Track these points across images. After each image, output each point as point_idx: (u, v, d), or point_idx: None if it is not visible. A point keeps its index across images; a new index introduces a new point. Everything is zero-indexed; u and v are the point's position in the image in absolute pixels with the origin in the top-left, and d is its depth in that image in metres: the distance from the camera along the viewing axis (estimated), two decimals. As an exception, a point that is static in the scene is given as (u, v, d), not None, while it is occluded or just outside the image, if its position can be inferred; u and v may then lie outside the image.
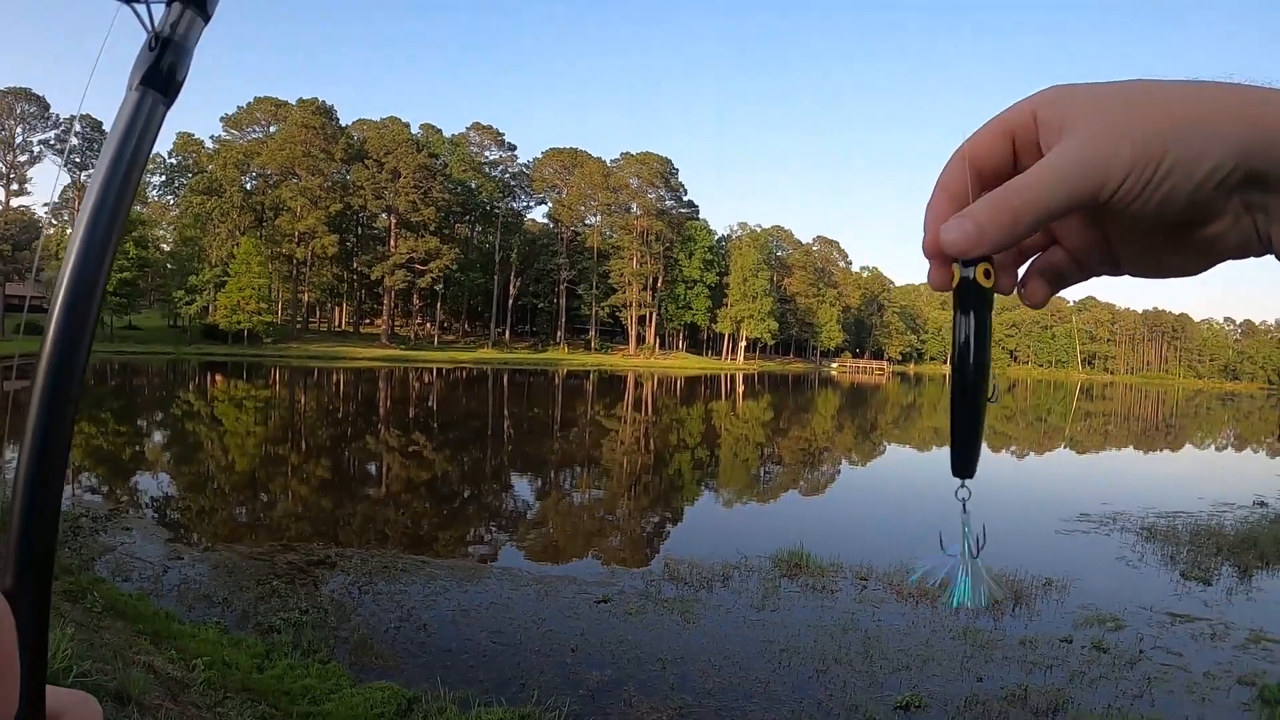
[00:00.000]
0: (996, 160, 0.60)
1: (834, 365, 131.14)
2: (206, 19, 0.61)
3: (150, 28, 0.58)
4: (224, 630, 9.66)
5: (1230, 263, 0.61)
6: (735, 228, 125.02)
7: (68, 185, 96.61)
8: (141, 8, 0.58)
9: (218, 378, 57.50)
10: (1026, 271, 0.66)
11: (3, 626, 0.45)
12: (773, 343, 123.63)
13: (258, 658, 8.65)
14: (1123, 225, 0.60)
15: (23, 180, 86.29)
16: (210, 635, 9.14)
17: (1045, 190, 0.54)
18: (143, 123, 0.58)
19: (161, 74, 0.58)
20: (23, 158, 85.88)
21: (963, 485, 0.65)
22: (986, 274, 0.58)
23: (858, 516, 20.11)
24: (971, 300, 0.59)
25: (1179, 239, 0.57)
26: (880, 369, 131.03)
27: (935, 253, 0.60)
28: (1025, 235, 0.56)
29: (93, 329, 0.56)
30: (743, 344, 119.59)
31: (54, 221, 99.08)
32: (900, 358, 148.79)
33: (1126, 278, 0.66)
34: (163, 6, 0.59)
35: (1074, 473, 31.19)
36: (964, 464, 0.64)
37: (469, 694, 8.24)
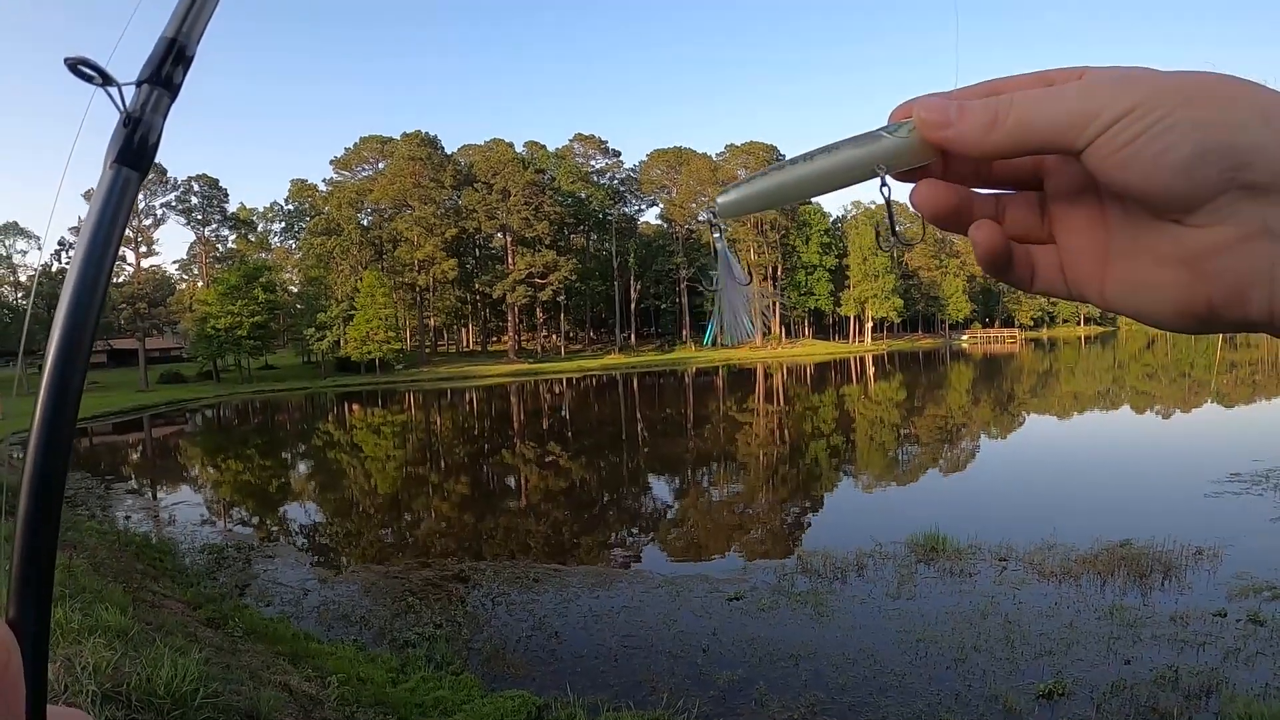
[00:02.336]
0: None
1: (964, 338, 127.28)
2: (174, 95, 0.68)
3: (123, 108, 0.65)
4: (360, 647, 10.10)
5: None
6: (849, 207, 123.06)
7: (193, 242, 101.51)
8: (114, 90, 0.64)
9: (354, 407, 59.44)
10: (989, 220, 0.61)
11: (10, 656, 0.50)
12: (899, 320, 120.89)
13: (392, 672, 9.03)
14: (1113, 218, 0.56)
15: (150, 242, 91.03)
16: (347, 653, 9.57)
17: (1034, 106, 0.52)
18: (117, 197, 0.64)
19: (133, 151, 0.65)
20: (147, 221, 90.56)
21: (713, 210, 0.65)
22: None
23: (995, 494, 19.58)
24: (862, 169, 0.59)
25: (1168, 242, 0.51)
26: (1012, 337, 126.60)
27: (903, 114, 0.59)
28: (994, 147, 0.53)
29: (81, 383, 0.61)
30: (869, 325, 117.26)
31: (185, 277, 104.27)
32: (1032, 323, 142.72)
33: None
34: (133, 88, 0.66)
35: (1222, 429, 29.23)
36: (725, 193, 0.64)
37: (598, 699, 8.43)
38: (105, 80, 0.62)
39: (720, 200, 0.64)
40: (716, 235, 0.67)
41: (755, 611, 11.22)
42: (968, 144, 0.54)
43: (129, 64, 0.66)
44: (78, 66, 0.61)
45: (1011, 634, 10.03)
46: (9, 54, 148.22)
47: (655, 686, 8.88)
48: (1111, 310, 0.59)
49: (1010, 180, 0.63)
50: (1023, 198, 0.63)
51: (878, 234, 0.67)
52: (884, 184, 0.60)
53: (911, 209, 0.63)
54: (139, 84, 0.65)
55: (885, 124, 0.59)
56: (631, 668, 9.52)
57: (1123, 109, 0.47)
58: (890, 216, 0.64)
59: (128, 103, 0.65)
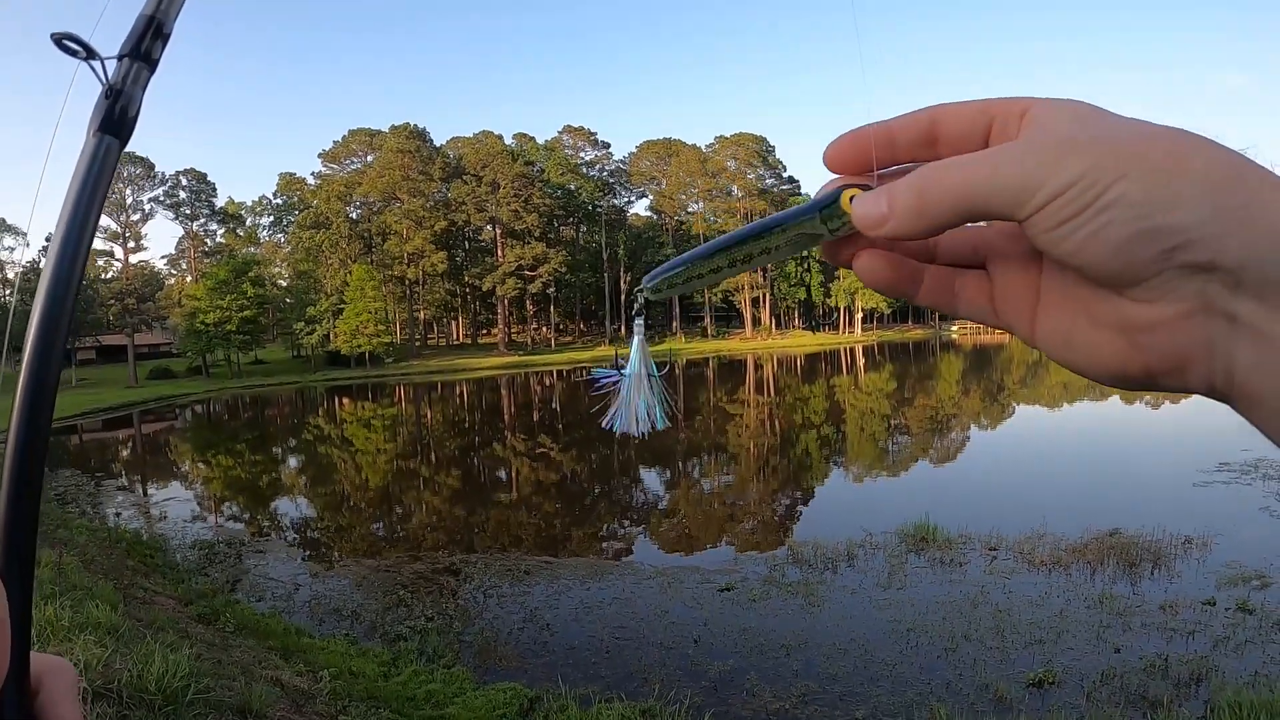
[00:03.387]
0: (961, 132, 0.54)
1: (954, 329, 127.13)
2: (153, 69, 0.72)
3: (105, 80, 0.68)
4: (352, 641, 10.10)
5: None
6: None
7: (181, 237, 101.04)
8: (97, 64, 0.68)
9: (344, 401, 59.45)
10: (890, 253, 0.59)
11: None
12: (889, 311, 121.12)
13: (384, 666, 9.03)
14: (1050, 268, 0.54)
15: (139, 237, 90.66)
16: (339, 647, 9.58)
17: (968, 179, 0.48)
18: (99, 164, 0.68)
19: (115, 121, 0.68)
20: (135, 216, 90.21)
21: (641, 291, 0.65)
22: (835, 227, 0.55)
23: (985, 484, 19.61)
24: (803, 239, 0.58)
25: (1105, 308, 0.49)
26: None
27: (833, 163, 0.58)
28: (932, 227, 0.51)
29: (62, 350, 0.64)
30: (859, 316, 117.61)
31: (173, 272, 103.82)
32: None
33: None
34: (115, 62, 0.70)
35: (1211, 419, 29.23)
36: (652, 277, 0.64)
37: (590, 691, 8.44)
38: (89, 54, 0.66)
39: (646, 282, 0.64)
40: (638, 321, 0.67)
41: (746, 602, 11.24)
42: (907, 233, 0.52)
43: (108, 40, 0.69)
44: (63, 41, 0.64)
45: (1002, 623, 10.07)
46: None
47: (647, 678, 8.90)
48: (1041, 352, 0.56)
49: (957, 238, 0.61)
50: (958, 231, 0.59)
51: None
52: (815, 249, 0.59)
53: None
54: (120, 58, 0.69)
55: (823, 201, 0.56)
56: (623, 659, 9.53)
57: (1063, 183, 0.44)
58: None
59: (109, 76, 0.68)
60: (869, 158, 0.56)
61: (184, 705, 4.86)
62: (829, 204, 0.55)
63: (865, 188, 0.54)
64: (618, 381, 0.67)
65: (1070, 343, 0.52)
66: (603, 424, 0.68)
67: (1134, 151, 0.43)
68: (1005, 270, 0.56)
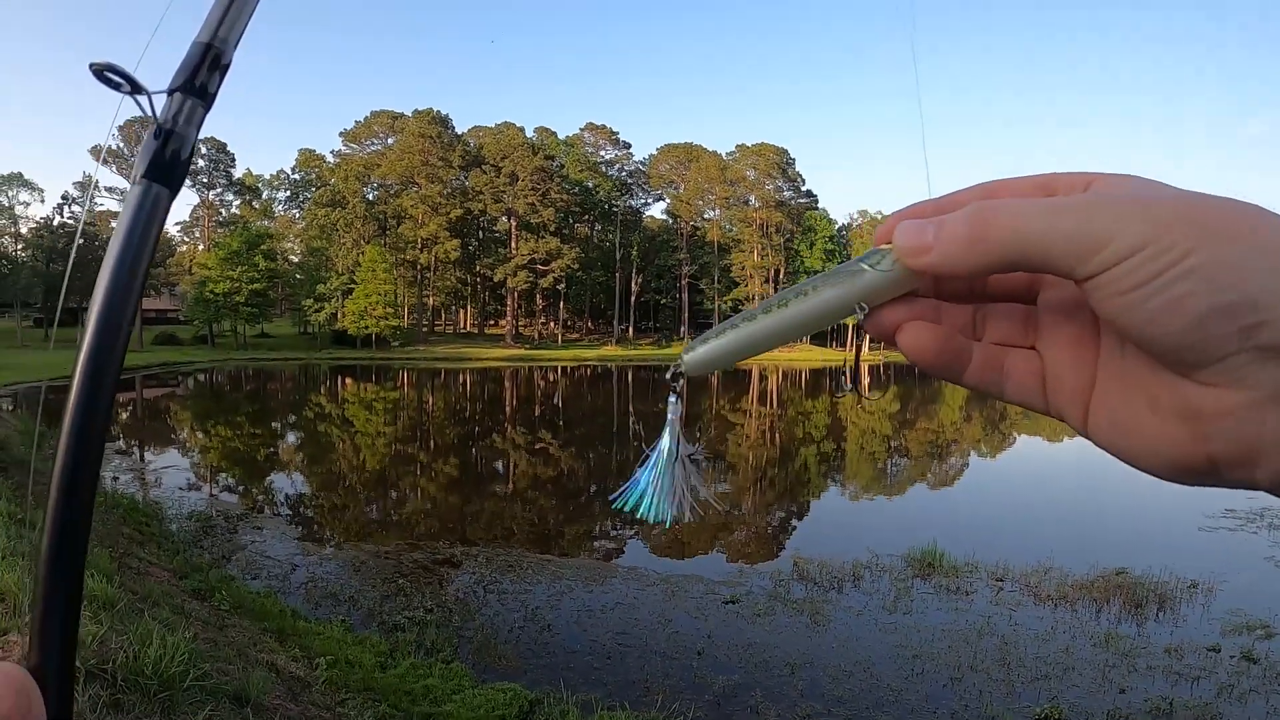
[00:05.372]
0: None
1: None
2: (208, 106, 0.63)
3: (154, 119, 0.60)
4: (349, 628, 9.95)
5: None
6: (855, 215, 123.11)
7: (196, 205, 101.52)
8: (144, 99, 0.58)
9: (347, 381, 59.63)
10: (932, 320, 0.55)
11: (32, 705, 0.47)
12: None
13: (381, 656, 8.87)
14: (1108, 348, 0.49)
15: None
16: (335, 633, 9.42)
17: (1030, 221, 0.44)
18: (147, 214, 0.59)
19: (165, 166, 0.60)
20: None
21: (679, 365, 0.59)
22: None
23: (991, 513, 19.47)
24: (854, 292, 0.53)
25: (1168, 392, 0.45)
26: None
27: (881, 238, 0.53)
28: (982, 264, 0.46)
29: (105, 425, 0.57)
30: (867, 334, 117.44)
31: (185, 239, 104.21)
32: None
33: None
34: (164, 97, 0.60)
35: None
36: (692, 350, 0.58)
37: (592, 697, 8.30)
38: (134, 88, 0.57)
39: (686, 357, 0.58)
40: (673, 399, 0.60)
41: (751, 616, 11.11)
42: (952, 264, 0.47)
43: (158, 71, 0.61)
44: (104, 73, 0.55)
45: (1008, 656, 9.94)
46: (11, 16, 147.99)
47: (649, 687, 8.76)
48: (1094, 443, 0.51)
49: (1008, 292, 0.56)
50: (1008, 305, 0.56)
51: (842, 377, 0.63)
52: (859, 332, 0.57)
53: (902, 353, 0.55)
54: (170, 92, 0.60)
55: (867, 253, 0.53)
56: (625, 666, 9.39)
57: (1135, 242, 0.41)
58: (856, 365, 0.59)
59: (159, 113, 0.60)
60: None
61: (181, 691, 4.68)
62: (869, 251, 0.53)
63: None
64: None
65: (1127, 432, 0.48)
66: (611, 501, 0.62)
67: (1206, 217, 0.41)
68: (1059, 348, 0.52)
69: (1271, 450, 0.41)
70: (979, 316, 0.56)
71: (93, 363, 0.56)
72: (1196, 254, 0.40)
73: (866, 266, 0.52)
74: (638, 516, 0.61)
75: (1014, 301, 0.56)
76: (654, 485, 0.60)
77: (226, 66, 0.65)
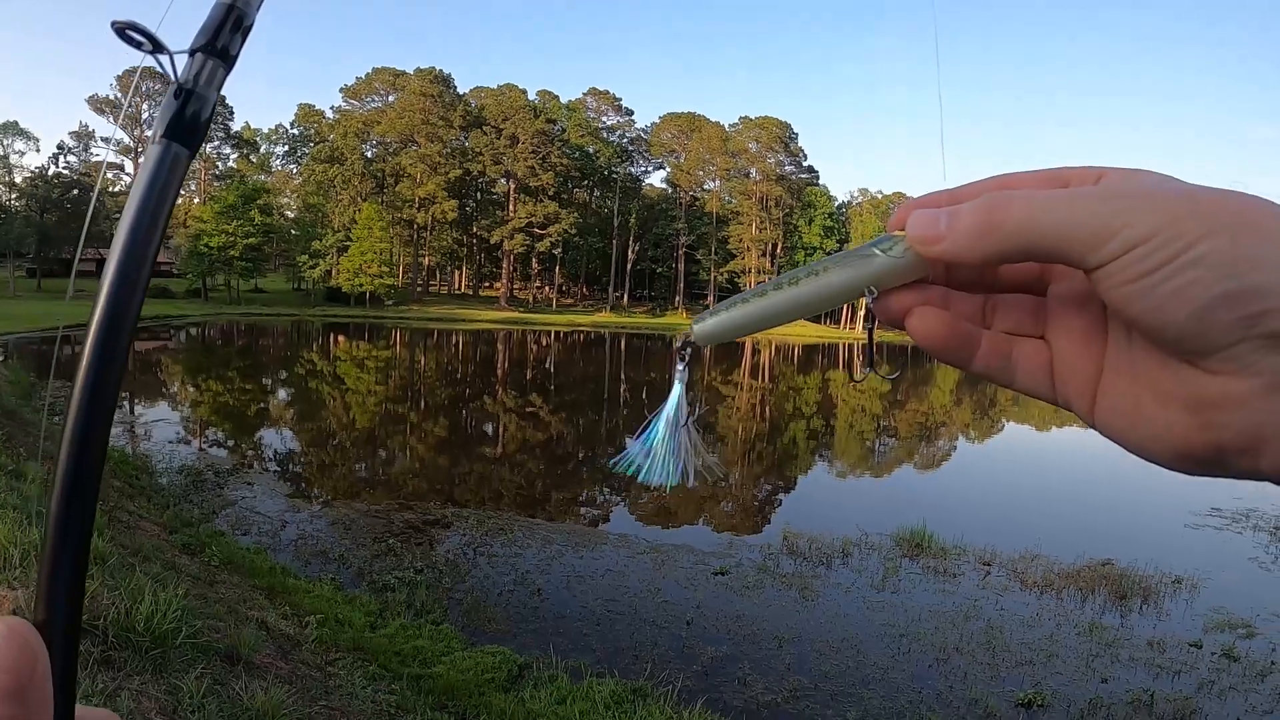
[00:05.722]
0: None
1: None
2: (229, 67, 0.62)
3: (175, 78, 0.59)
4: (339, 587, 9.94)
5: None
6: (855, 194, 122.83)
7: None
8: (165, 59, 0.58)
9: (340, 338, 59.55)
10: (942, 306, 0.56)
11: (38, 659, 0.47)
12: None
13: (371, 616, 8.86)
14: (1115, 337, 0.50)
15: None
16: (325, 592, 9.40)
17: (1041, 212, 0.45)
18: (166, 174, 0.58)
19: (185, 126, 0.59)
20: (149, 132, 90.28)
21: (689, 334, 0.60)
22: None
23: (980, 497, 19.57)
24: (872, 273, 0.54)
25: (1174, 381, 0.45)
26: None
27: (895, 225, 0.53)
28: (995, 253, 0.47)
29: (118, 385, 0.56)
30: (861, 312, 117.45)
31: (182, 192, 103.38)
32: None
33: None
34: (185, 57, 0.60)
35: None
36: (703, 321, 0.59)
37: (581, 663, 8.34)
38: (156, 47, 0.58)
39: (696, 328, 0.59)
40: (681, 367, 0.61)
41: (740, 589, 11.13)
42: (964, 253, 0.48)
43: (180, 31, 0.60)
44: (125, 31, 0.55)
45: (993, 639, 9.99)
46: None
47: (638, 655, 8.79)
48: (1101, 434, 0.52)
49: (1018, 283, 0.57)
50: (1018, 295, 0.57)
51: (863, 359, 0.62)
52: (871, 316, 0.58)
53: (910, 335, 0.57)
54: (192, 53, 0.60)
55: (879, 238, 0.54)
56: (615, 634, 9.41)
57: (1144, 232, 0.42)
58: (871, 347, 0.62)
59: (179, 73, 0.59)
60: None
61: (173, 649, 4.65)
62: (881, 236, 0.54)
63: None
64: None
65: (1133, 421, 0.49)
66: (612, 463, 0.63)
67: (1217, 209, 0.42)
68: (1067, 338, 0.53)
69: (1277, 438, 0.41)
70: (988, 305, 0.57)
71: (108, 320, 0.56)
72: (1204, 243, 0.40)
73: (879, 252, 0.53)
74: (640, 480, 0.61)
75: (1024, 292, 0.56)
76: (659, 449, 0.61)
77: (249, 28, 0.63)
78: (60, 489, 0.53)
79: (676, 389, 0.61)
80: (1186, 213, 0.41)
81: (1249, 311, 0.40)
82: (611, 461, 0.63)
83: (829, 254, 0.56)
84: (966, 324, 0.55)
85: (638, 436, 0.62)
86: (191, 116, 0.60)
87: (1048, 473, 23.39)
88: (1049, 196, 0.46)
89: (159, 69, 0.59)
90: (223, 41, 0.61)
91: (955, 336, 0.54)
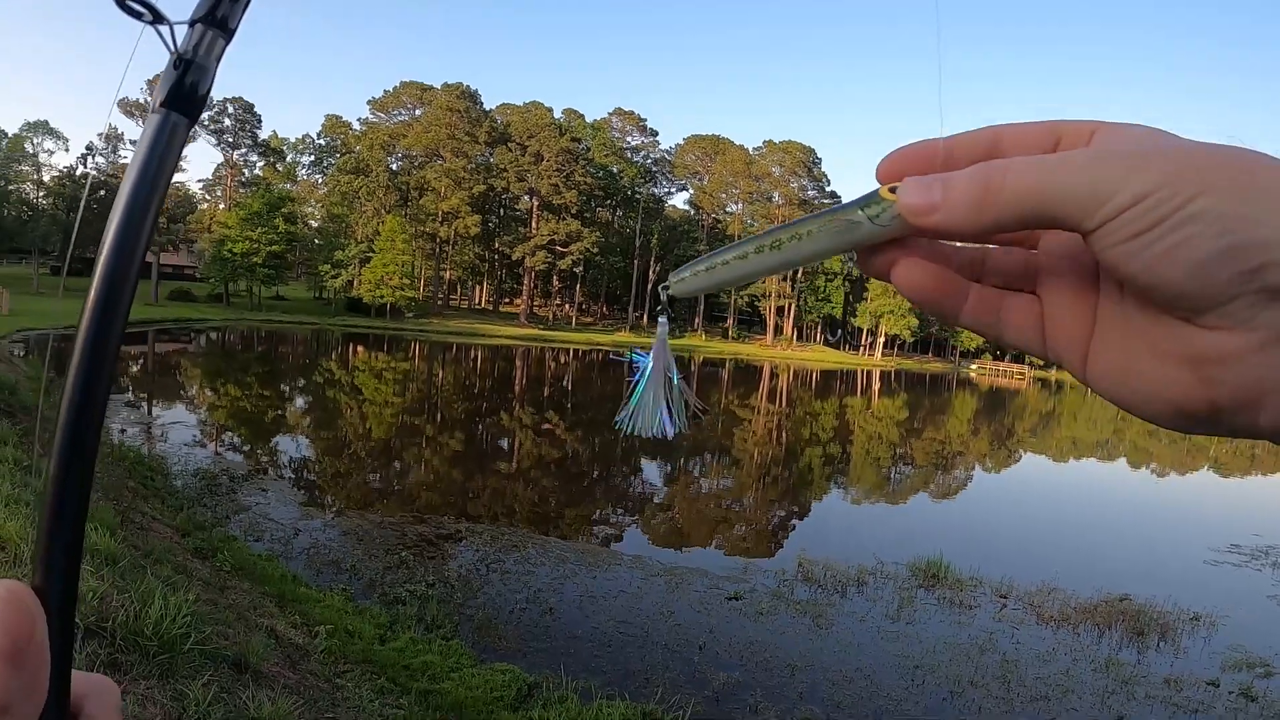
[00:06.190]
0: (1026, 152, 0.49)
1: (973, 367, 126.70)
2: (229, 38, 0.63)
3: (174, 49, 0.60)
4: (349, 598, 9.88)
5: None
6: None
7: (220, 164, 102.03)
8: (165, 29, 0.59)
9: (359, 349, 59.74)
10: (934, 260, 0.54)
11: (36, 623, 0.49)
12: (911, 340, 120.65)
13: (381, 629, 8.79)
14: (1108, 292, 0.49)
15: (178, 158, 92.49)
16: (335, 602, 9.36)
17: (1036, 177, 0.44)
18: (165, 142, 0.60)
19: (184, 95, 0.60)
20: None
21: (665, 288, 0.61)
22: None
23: (997, 529, 19.37)
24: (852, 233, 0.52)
25: (1170, 337, 0.45)
26: (1020, 373, 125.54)
27: (888, 171, 0.52)
28: (992, 224, 0.46)
29: (117, 349, 0.57)
30: (881, 340, 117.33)
31: (207, 197, 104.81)
32: (1042, 363, 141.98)
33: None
34: (185, 28, 0.60)
35: (1222, 498, 29.00)
36: (680, 276, 0.61)
37: (591, 684, 8.22)
38: (156, 17, 0.59)
39: (672, 279, 0.61)
40: (663, 320, 0.64)
41: (754, 614, 11.01)
42: (959, 226, 0.47)
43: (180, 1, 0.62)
44: (126, 2, 0.57)
45: (1009, 673, 9.85)
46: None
47: (649, 679, 8.68)
48: (1094, 390, 0.51)
49: (1007, 237, 0.56)
50: (1008, 249, 0.57)
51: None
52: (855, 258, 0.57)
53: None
54: (192, 23, 0.61)
55: (864, 196, 0.52)
56: (626, 656, 9.31)
57: (1138, 192, 0.41)
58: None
59: (179, 43, 0.61)
60: (928, 172, 0.51)
61: (181, 654, 4.60)
62: (866, 196, 0.52)
63: None
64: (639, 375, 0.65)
65: (1127, 377, 0.48)
66: (615, 422, 0.65)
67: (1212, 165, 0.41)
68: (1058, 293, 0.52)
69: (1275, 393, 0.41)
70: (978, 257, 0.56)
71: (106, 287, 0.56)
72: (1199, 200, 0.40)
73: (866, 219, 0.51)
74: (637, 432, 0.63)
75: (1014, 245, 0.56)
76: (648, 399, 0.63)
77: (248, 1, 0.63)
78: (57, 457, 0.54)
79: (659, 338, 0.64)
80: (1182, 169, 0.41)
81: (1246, 267, 0.39)
82: (615, 422, 0.64)
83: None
84: (955, 277, 0.54)
85: (631, 393, 0.65)
86: (191, 86, 0.60)
87: (1065, 505, 23.18)
88: (1044, 164, 0.45)
89: (161, 40, 0.59)
90: (222, 12, 0.61)
91: (942, 290, 0.53)
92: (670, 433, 0.64)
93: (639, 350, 0.67)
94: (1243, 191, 0.40)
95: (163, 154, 0.59)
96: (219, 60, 0.62)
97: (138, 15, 0.58)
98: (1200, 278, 0.40)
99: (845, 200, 0.53)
